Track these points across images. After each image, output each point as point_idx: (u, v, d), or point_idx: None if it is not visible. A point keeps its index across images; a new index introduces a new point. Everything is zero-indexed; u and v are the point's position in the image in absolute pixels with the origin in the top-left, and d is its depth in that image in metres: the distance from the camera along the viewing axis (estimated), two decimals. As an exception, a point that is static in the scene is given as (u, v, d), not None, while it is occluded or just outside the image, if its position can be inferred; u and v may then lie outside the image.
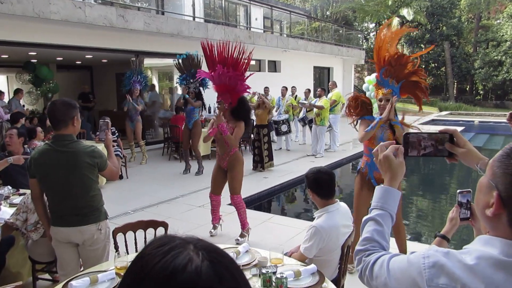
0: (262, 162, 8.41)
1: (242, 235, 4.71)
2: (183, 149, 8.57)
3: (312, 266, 2.40)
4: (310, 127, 10.42)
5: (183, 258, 0.59)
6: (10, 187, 4.10)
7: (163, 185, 7.33)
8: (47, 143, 2.80)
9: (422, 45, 31.76)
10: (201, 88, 8.23)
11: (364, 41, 29.98)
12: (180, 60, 8.48)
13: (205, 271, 0.58)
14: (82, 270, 2.72)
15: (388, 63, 3.62)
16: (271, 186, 7.32)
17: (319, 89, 10.18)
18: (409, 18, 28.17)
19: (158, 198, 6.49)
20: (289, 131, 10.58)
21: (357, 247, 1.28)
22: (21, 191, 4.08)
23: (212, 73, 4.46)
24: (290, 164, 9.20)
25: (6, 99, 10.75)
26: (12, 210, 3.33)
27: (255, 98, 9.10)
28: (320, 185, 2.78)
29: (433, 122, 19.07)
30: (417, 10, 28.45)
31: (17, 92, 9.56)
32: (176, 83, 9.63)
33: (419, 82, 3.71)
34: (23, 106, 10.43)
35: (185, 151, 8.41)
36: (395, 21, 29.35)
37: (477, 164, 1.26)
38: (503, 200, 0.95)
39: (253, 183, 7.35)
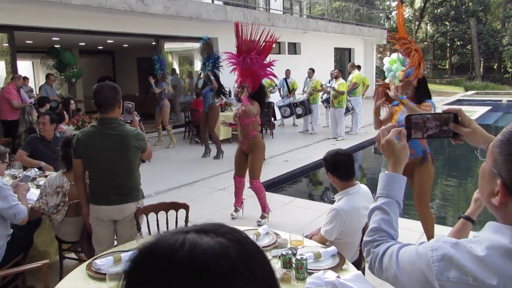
0: None
1: (262, 217, 4.76)
2: (202, 133, 8.62)
3: (332, 248, 2.39)
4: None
5: (193, 240, 0.59)
6: (36, 169, 4.23)
7: (184, 169, 7.41)
8: (94, 125, 2.89)
9: (446, 23, 30.80)
10: (216, 71, 8.16)
11: (386, 20, 29.22)
12: (202, 44, 8.40)
13: (219, 242, 0.59)
14: (116, 245, 2.83)
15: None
16: (291, 169, 7.31)
17: (336, 70, 10.03)
18: (434, -5, 27.31)
19: (179, 181, 6.57)
20: (303, 113, 10.48)
21: (365, 238, 1.25)
22: (47, 173, 4.20)
23: (244, 57, 4.49)
24: (310, 147, 9.15)
25: (31, 84, 10.97)
26: (38, 192, 3.43)
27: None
28: (339, 167, 2.75)
29: (458, 102, 18.58)
30: (442, -13, 27.52)
31: (47, 77, 9.67)
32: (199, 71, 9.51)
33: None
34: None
35: (204, 135, 8.44)
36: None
37: (477, 151, 1.21)
38: (507, 188, 0.90)
39: (273, 166, 7.35)
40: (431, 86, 3.75)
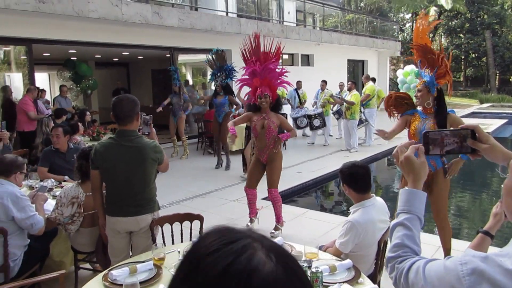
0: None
1: (276, 228, 4.73)
2: (215, 144, 8.64)
3: (348, 261, 2.37)
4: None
5: (258, 261, 0.58)
6: (53, 180, 4.28)
7: (197, 180, 7.44)
8: (112, 137, 2.93)
9: (461, 35, 30.60)
10: (228, 82, 8.19)
11: (399, 32, 29.15)
12: (211, 56, 8.43)
13: (280, 277, 0.58)
14: (132, 256, 2.84)
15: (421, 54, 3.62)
16: (305, 181, 7.28)
17: (349, 83, 10.00)
18: (448, 7, 27.16)
19: (193, 192, 6.59)
20: (321, 125, 10.45)
21: (388, 254, 1.24)
22: (63, 183, 4.25)
23: (265, 67, 4.54)
24: (324, 158, 9.12)
25: (47, 96, 11.17)
26: (54, 202, 3.47)
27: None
28: (356, 179, 2.73)
29: (473, 115, 18.36)
30: (456, -1, 27.37)
31: (60, 89, 9.82)
32: (209, 80, 9.64)
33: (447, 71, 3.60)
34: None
35: (217, 146, 8.46)
36: (432, 10, 28.41)
37: (497, 168, 1.20)
38: None
39: (286, 178, 7.32)
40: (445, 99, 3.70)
